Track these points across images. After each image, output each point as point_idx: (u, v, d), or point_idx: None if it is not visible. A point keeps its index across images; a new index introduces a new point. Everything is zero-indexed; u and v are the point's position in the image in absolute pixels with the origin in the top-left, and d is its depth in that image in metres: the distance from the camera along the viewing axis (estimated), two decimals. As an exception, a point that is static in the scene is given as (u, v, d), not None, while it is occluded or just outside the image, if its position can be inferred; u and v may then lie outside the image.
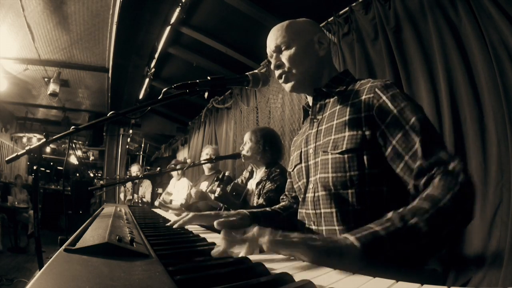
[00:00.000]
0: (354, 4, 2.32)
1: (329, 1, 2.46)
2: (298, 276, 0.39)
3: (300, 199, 0.98)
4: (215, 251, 0.52)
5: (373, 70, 2.18)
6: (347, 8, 2.36)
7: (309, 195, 0.91)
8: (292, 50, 0.92)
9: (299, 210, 0.99)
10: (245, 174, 2.21)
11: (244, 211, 0.98)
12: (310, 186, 0.91)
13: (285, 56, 0.93)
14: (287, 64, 0.93)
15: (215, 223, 0.84)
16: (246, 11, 2.91)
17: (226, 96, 4.31)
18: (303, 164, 0.95)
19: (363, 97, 0.82)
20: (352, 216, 0.81)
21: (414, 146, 0.72)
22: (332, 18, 2.47)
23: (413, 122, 0.73)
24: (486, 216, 1.54)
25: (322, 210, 0.87)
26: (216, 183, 1.83)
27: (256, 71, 0.97)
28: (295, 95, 2.86)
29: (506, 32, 1.51)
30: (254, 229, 0.56)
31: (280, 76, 0.95)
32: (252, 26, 3.03)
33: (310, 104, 0.99)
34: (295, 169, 1.00)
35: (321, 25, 2.55)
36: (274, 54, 0.96)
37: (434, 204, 0.62)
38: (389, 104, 0.78)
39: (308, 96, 1.02)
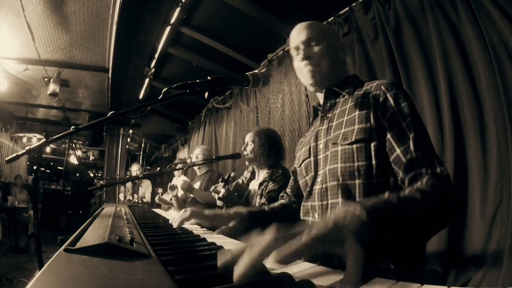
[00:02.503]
0: (354, 4, 2.32)
1: (329, 1, 2.46)
2: (298, 276, 0.39)
3: (305, 193, 0.99)
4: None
5: (373, 70, 2.18)
6: (347, 8, 2.36)
7: (317, 187, 0.93)
8: (322, 46, 0.97)
9: (303, 204, 1.00)
10: (246, 174, 2.21)
11: (242, 210, 0.97)
12: (319, 179, 0.93)
13: (315, 50, 0.97)
14: (317, 57, 0.96)
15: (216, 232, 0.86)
16: (246, 11, 2.91)
17: (226, 96, 4.31)
18: (312, 158, 0.97)
19: (371, 94, 0.88)
20: None
21: (407, 142, 0.77)
22: (332, 18, 2.47)
23: (409, 121, 0.80)
24: (486, 216, 1.54)
25: (330, 201, 0.88)
26: (221, 183, 1.84)
27: (256, 71, 0.97)
28: (295, 95, 2.86)
29: (506, 32, 1.51)
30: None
31: (306, 66, 0.97)
32: (252, 26, 3.03)
33: (321, 103, 1.03)
34: (302, 164, 1.02)
35: (321, 25, 2.55)
36: (302, 46, 0.98)
37: (425, 198, 0.65)
38: (392, 101, 0.83)
39: (318, 95, 1.05)
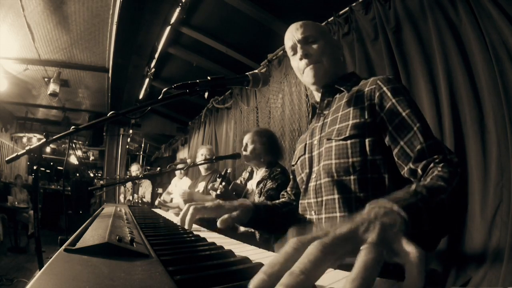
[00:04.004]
0: (354, 4, 2.32)
1: (329, 1, 2.46)
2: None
3: (302, 191, 0.99)
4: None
5: (373, 70, 2.18)
6: (347, 8, 2.36)
7: (312, 184, 0.92)
8: (321, 43, 0.95)
9: (300, 202, 0.99)
10: (244, 175, 2.24)
11: (247, 201, 0.96)
12: (313, 175, 0.92)
13: (314, 47, 0.95)
14: (317, 53, 0.95)
15: (218, 222, 0.82)
16: (246, 11, 2.91)
17: (226, 96, 4.31)
18: (306, 155, 0.97)
19: (366, 89, 0.86)
20: (354, 202, 0.82)
21: (410, 132, 0.76)
22: (332, 18, 2.47)
23: (409, 112, 0.78)
24: (486, 216, 1.54)
25: (324, 198, 0.87)
26: (219, 179, 1.86)
27: (256, 71, 0.97)
28: (295, 95, 2.86)
29: (506, 32, 1.52)
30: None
31: (307, 65, 0.95)
32: (252, 26, 3.03)
33: (318, 100, 1.02)
34: (298, 161, 1.02)
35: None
36: (299, 45, 0.96)
37: (449, 184, 0.61)
38: (389, 94, 0.82)
39: (316, 93, 1.04)
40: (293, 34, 0.98)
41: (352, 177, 0.82)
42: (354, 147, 0.82)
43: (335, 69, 0.98)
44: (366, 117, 0.82)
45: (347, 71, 1.05)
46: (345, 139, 0.84)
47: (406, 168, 0.76)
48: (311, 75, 0.96)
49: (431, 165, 0.71)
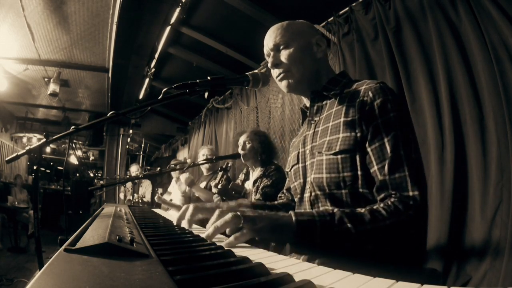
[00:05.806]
0: (354, 4, 2.32)
1: (329, 1, 2.46)
2: (298, 276, 0.39)
3: (296, 200, 0.99)
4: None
5: (373, 70, 2.18)
6: (347, 8, 2.36)
7: (307, 194, 0.92)
8: (291, 50, 0.92)
9: (296, 210, 0.99)
10: (241, 176, 2.30)
11: (246, 201, 0.98)
12: (308, 186, 0.92)
13: (284, 55, 0.93)
14: (286, 63, 0.92)
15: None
16: (246, 11, 2.91)
17: (226, 96, 4.31)
18: (300, 165, 0.96)
19: (358, 99, 0.83)
20: None
21: (384, 161, 0.76)
22: (332, 18, 2.47)
23: (392, 136, 0.76)
24: (486, 216, 1.54)
25: (321, 208, 0.87)
26: (220, 173, 1.91)
27: (256, 71, 0.97)
28: (295, 95, 2.86)
29: (506, 32, 1.52)
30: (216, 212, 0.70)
31: (278, 75, 0.95)
32: (252, 26, 3.02)
33: (308, 105, 1.00)
34: (292, 169, 1.01)
35: (321, 25, 2.55)
36: (272, 53, 0.95)
37: (374, 220, 0.68)
38: (377, 111, 0.79)
39: (305, 98, 1.02)
40: (267, 42, 0.96)
41: (343, 191, 0.82)
42: (345, 162, 0.81)
43: (315, 72, 0.95)
44: (357, 131, 0.80)
45: (334, 70, 1.01)
46: (335, 153, 0.82)
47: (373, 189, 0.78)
48: (283, 86, 0.96)
49: (386, 199, 0.74)
